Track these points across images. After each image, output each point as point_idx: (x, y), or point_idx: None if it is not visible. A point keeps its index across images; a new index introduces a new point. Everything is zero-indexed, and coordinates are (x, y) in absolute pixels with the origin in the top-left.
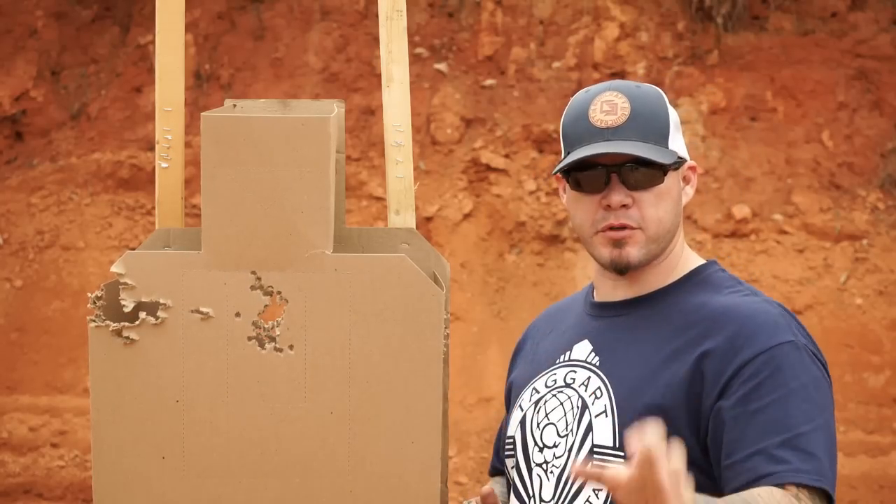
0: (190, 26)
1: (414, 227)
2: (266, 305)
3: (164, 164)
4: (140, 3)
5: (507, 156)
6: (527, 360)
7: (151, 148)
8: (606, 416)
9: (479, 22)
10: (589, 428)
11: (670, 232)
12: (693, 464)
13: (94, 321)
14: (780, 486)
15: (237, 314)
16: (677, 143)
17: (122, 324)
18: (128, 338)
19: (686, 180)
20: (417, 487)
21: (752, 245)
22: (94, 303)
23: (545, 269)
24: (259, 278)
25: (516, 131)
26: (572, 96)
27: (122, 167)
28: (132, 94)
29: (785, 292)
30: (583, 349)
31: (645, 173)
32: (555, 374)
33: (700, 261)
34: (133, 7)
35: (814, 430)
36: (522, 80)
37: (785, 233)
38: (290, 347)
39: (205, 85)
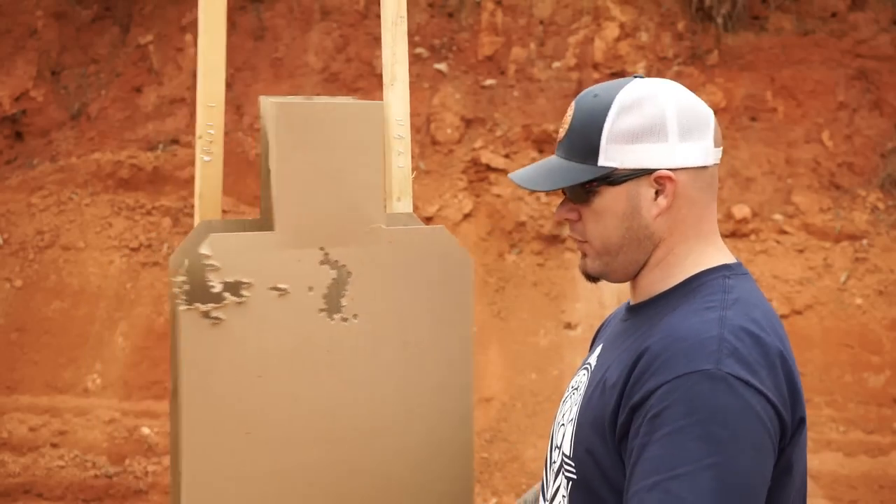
0: (190, 26)
1: (412, 211)
2: (333, 279)
3: (206, 158)
4: (140, 3)
5: (507, 156)
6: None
7: (151, 148)
8: (572, 423)
9: (479, 22)
10: (564, 435)
11: (621, 246)
12: (615, 487)
13: (182, 304)
14: None
15: (310, 288)
16: (626, 154)
17: (210, 305)
18: (216, 318)
19: (658, 191)
20: (454, 437)
21: (752, 245)
22: (181, 287)
23: (545, 269)
24: (327, 254)
25: (516, 131)
26: (573, 97)
27: (122, 167)
28: (132, 94)
29: (785, 292)
30: (596, 352)
31: (573, 191)
32: (579, 374)
33: (711, 263)
34: (133, 7)
35: (696, 472)
36: (522, 80)
37: (785, 233)
38: (355, 317)
39: None
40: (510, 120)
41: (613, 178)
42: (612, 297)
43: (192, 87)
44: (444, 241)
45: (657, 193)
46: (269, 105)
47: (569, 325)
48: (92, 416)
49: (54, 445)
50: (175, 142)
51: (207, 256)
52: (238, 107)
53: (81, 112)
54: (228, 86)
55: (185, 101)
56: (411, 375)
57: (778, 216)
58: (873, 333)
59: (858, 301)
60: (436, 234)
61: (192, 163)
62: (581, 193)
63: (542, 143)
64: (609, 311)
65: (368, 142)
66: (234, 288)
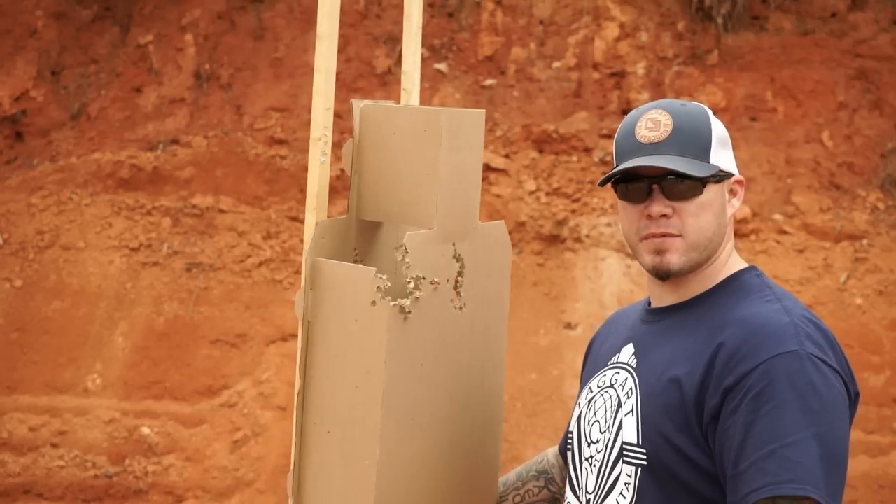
0: (190, 26)
1: None
2: (458, 271)
3: (322, 159)
4: (140, 3)
5: (507, 156)
6: (591, 362)
7: (151, 148)
8: (633, 414)
9: (479, 22)
10: (620, 426)
11: (712, 241)
12: (698, 465)
13: (388, 300)
14: (763, 500)
15: (447, 280)
16: (721, 157)
17: (405, 300)
18: (409, 312)
19: (733, 193)
20: (500, 410)
21: (752, 245)
22: (383, 284)
23: (545, 269)
24: (455, 248)
25: (516, 131)
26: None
27: (122, 167)
28: (132, 94)
29: None
30: (627, 351)
31: (684, 185)
32: (605, 374)
33: (740, 265)
34: (133, 7)
35: (805, 439)
36: (522, 80)
37: (785, 233)
38: (465, 305)
39: (205, 85)
40: (510, 120)
41: (718, 176)
42: (612, 297)
43: (192, 87)
44: (503, 233)
45: (730, 195)
46: (403, 111)
47: (569, 325)
48: (92, 416)
49: (54, 445)
50: (175, 142)
51: (406, 253)
52: (238, 107)
53: (81, 112)
54: (228, 86)
55: (185, 101)
56: (488, 356)
57: (778, 216)
58: (873, 333)
59: (858, 301)
60: (499, 228)
61: (191, 163)
62: (696, 187)
63: (542, 143)
64: (609, 311)
65: (475, 144)
66: (416, 283)
